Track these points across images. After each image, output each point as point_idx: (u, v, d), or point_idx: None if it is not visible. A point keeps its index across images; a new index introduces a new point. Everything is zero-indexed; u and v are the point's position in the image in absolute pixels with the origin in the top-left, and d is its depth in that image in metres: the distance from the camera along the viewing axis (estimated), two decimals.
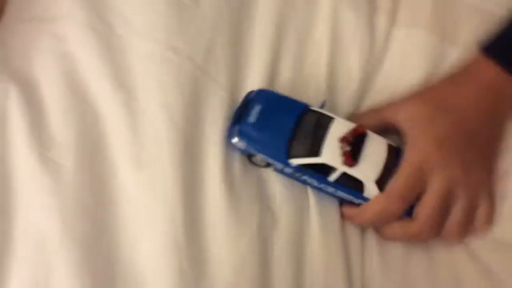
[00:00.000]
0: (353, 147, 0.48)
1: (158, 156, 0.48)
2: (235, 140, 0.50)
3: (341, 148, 0.48)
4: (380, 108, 0.55)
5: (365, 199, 0.50)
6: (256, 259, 0.47)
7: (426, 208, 0.50)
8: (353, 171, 0.49)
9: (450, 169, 0.50)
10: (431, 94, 0.54)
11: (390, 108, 0.54)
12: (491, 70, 0.53)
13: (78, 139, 0.48)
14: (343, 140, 0.48)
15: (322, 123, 0.50)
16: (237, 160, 0.51)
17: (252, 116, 0.51)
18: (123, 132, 0.48)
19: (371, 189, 0.49)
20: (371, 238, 0.53)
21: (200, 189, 0.48)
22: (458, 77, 0.54)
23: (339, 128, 0.49)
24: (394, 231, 0.52)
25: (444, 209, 0.50)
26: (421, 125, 0.51)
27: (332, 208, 0.52)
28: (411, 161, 0.50)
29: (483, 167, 0.53)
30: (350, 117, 0.54)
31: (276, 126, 0.50)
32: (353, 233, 0.52)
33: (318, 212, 0.50)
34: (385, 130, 0.53)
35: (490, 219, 0.52)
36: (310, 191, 0.51)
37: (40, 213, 0.45)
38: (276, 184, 0.51)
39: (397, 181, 0.49)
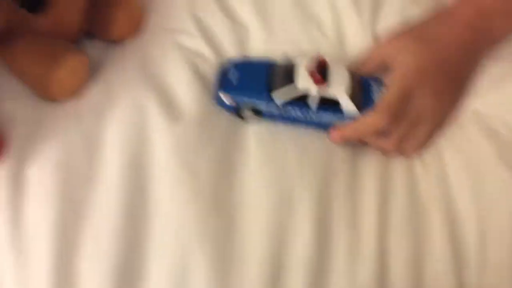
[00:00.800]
0: (320, 72, 0.57)
1: None
2: (223, 96, 0.59)
3: (311, 75, 0.57)
4: (375, 48, 0.63)
5: (346, 116, 0.58)
6: None
7: (407, 124, 0.58)
8: (327, 91, 0.57)
9: (425, 89, 0.59)
10: (417, 29, 0.62)
11: (382, 45, 0.63)
12: (470, 9, 0.61)
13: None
14: (310, 67, 0.57)
15: (290, 64, 0.59)
16: None
17: (232, 77, 0.60)
18: None
19: (348, 105, 0.57)
20: None
21: None
22: (442, 15, 0.63)
23: (304, 62, 0.58)
24: (376, 143, 0.59)
25: (401, 110, 0.58)
26: (406, 55, 0.60)
27: None
28: (398, 84, 0.58)
29: (451, 97, 0.61)
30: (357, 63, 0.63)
31: (253, 78, 0.60)
32: None
33: None
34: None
35: (419, 145, 0.60)
36: None
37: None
38: None
39: (386, 101, 0.58)
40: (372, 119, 0.57)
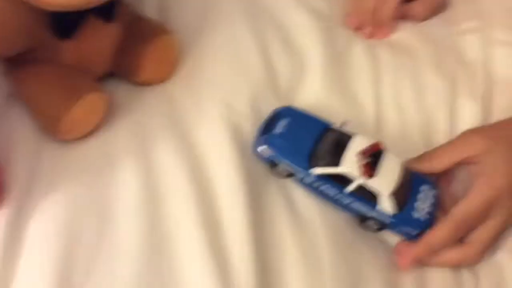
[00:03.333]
0: (371, 161, 0.52)
1: None
2: (261, 148, 0.55)
3: (360, 160, 0.52)
4: (451, 145, 0.56)
5: (379, 212, 0.53)
6: None
7: (487, 236, 0.53)
8: (370, 183, 0.52)
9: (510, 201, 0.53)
10: (505, 131, 0.56)
11: (465, 143, 0.55)
12: None
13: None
14: (362, 153, 0.52)
15: (343, 138, 0.54)
16: None
17: (278, 128, 0.55)
18: None
19: (385, 203, 0.52)
20: None
21: None
22: None
23: (358, 143, 0.53)
24: (451, 257, 0.53)
25: (478, 219, 0.53)
26: (497, 161, 0.53)
27: None
28: (483, 192, 0.52)
29: None
30: (420, 158, 0.57)
31: (300, 138, 0.55)
32: None
33: None
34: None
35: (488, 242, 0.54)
36: None
37: None
38: None
39: (467, 208, 0.52)
40: (448, 232, 0.52)
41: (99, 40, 0.55)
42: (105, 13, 0.53)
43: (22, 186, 0.51)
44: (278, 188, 0.55)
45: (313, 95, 0.62)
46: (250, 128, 0.57)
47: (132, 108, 0.58)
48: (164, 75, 0.61)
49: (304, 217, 0.53)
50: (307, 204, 0.54)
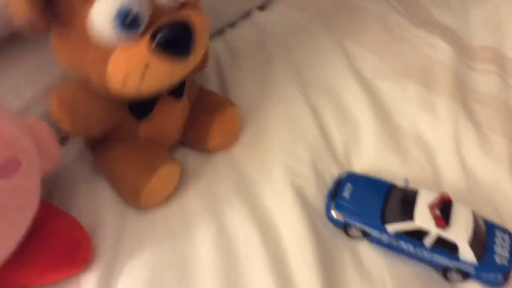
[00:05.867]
0: (442, 212, 0.54)
1: None
2: (333, 214, 0.57)
3: (432, 213, 0.54)
4: None
5: (461, 262, 0.53)
6: None
7: None
8: (446, 233, 0.53)
9: None
10: None
11: None
12: None
13: None
14: (432, 206, 0.54)
15: (410, 194, 0.56)
16: None
17: (346, 193, 0.58)
18: None
19: (465, 251, 0.53)
20: None
21: None
22: None
23: (426, 197, 0.55)
24: None
25: None
26: None
27: None
28: None
29: None
30: None
31: (369, 200, 0.57)
32: None
33: None
34: None
35: None
36: None
37: None
38: None
39: None
40: None
41: (171, 115, 0.60)
42: (176, 91, 0.58)
43: (110, 248, 0.55)
44: (345, 247, 0.57)
45: (369, 158, 0.65)
46: (313, 190, 0.60)
47: (202, 173, 0.62)
48: (229, 143, 0.65)
49: (373, 274, 0.55)
50: (375, 261, 0.56)
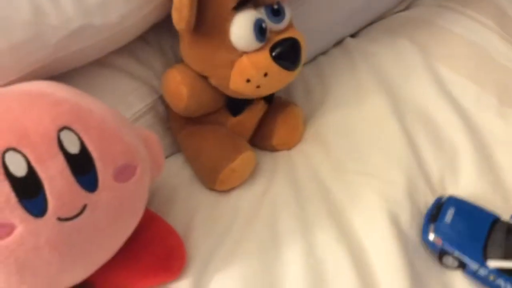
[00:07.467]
0: None
1: None
2: (431, 237, 0.55)
3: None
4: None
5: None
6: None
7: None
8: None
9: None
10: None
11: None
12: None
13: None
14: None
15: None
16: None
17: (447, 217, 0.56)
18: None
19: None
20: None
21: None
22: None
23: None
24: None
25: None
26: None
27: None
28: None
29: None
30: None
31: (470, 229, 0.55)
32: None
33: None
34: None
35: None
36: None
37: None
38: None
39: None
40: None
41: (255, 116, 0.68)
42: (268, 97, 0.67)
43: (201, 258, 0.56)
44: (439, 280, 0.55)
45: (467, 189, 0.63)
46: (408, 217, 0.58)
47: (291, 194, 0.63)
48: (293, 140, 0.70)
49: None
50: None
